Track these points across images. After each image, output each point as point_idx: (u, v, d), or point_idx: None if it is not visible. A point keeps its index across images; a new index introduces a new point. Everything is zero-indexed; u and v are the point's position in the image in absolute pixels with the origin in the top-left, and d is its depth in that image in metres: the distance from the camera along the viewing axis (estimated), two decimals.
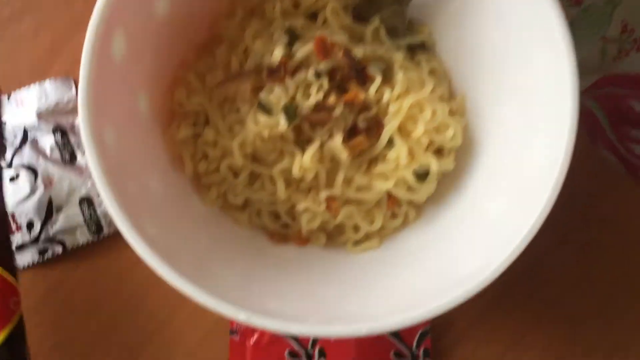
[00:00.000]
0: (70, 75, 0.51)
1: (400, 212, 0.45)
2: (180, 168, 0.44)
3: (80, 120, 0.35)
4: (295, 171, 0.41)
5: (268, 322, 0.33)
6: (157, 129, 0.43)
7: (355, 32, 0.45)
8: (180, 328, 0.49)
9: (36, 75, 0.51)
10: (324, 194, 0.42)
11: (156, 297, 0.49)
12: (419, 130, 0.42)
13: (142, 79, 0.41)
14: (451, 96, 0.47)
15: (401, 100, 0.42)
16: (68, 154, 0.48)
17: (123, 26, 0.37)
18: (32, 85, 0.50)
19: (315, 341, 0.49)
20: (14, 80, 0.50)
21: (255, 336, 0.48)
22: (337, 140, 0.41)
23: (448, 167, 0.44)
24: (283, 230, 0.45)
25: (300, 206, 0.42)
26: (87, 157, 0.34)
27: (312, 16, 0.45)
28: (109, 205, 0.34)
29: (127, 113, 0.39)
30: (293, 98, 0.40)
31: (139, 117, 0.41)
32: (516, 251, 0.34)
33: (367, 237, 0.45)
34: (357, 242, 0.45)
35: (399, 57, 0.44)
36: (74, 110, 0.50)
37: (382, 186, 0.42)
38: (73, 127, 0.49)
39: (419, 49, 0.47)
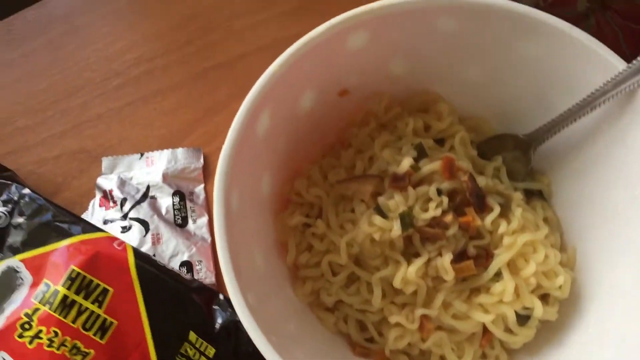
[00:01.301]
0: (200, 148, 0.54)
1: (491, 354, 0.43)
2: (282, 254, 0.44)
3: (216, 181, 0.37)
4: (397, 281, 0.41)
5: None
6: (271, 211, 0.44)
7: (477, 165, 0.46)
8: None
9: (170, 143, 0.55)
10: (419, 312, 0.41)
11: None
12: (529, 270, 0.41)
13: (271, 161, 0.43)
14: (562, 248, 0.46)
15: (516, 235, 0.42)
16: (181, 217, 0.50)
17: (270, 110, 0.40)
18: (165, 150, 0.54)
19: None
20: (150, 144, 0.54)
21: None
22: (446, 259, 0.40)
23: (551, 317, 0.42)
24: (366, 344, 0.44)
25: (393, 319, 0.41)
26: (215, 215, 0.36)
27: (439, 141, 0.47)
28: (223, 263, 0.34)
29: (251, 188, 0.41)
30: (411, 208, 0.41)
31: (259, 195, 0.43)
32: None
33: None
34: None
35: (517, 196, 0.45)
36: (196, 179, 0.53)
37: (481, 318, 0.41)
38: (192, 194, 0.52)
39: (536, 196, 0.47)
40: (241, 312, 0.34)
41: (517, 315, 0.41)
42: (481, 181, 0.43)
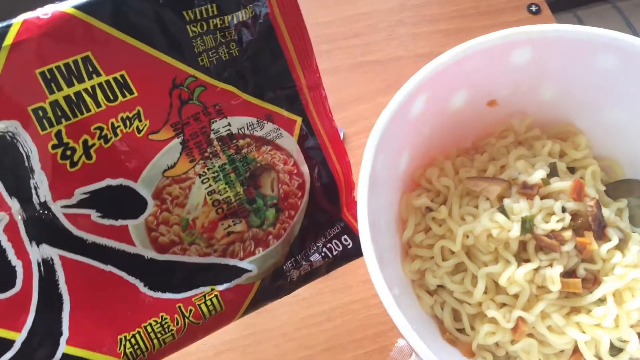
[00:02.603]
0: (342, 128, 0.60)
1: None
2: (400, 230, 0.48)
3: (370, 139, 0.41)
4: (504, 279, 0.43)
5: None
6: (399, 189, 0.48)
7: (602, 201, 0.48)
8: None
9: None
10: (517, 313, 0.43)
11: None
12: (635, 304, 0.42)
13: (414, 142, 0.47)
14: None
15: (629, 269, 0.43)
16: None
17: (426, 96, 0.44)
18: None
19: None
20: None
21: None
22: (556, 270, 0.42)
23: None
24: (457, 333, 0.46)
25: (490, 313, 0.43)
26: (362, 169, 0.40)
27: (571, 170, 0.49)
28: (360, 208, 0.39)
29: (392, 159, 0.45)
30: (533, 216, 0.44)
31: (396, 170, 0.47)
32: None
33: None
34: None
35: (637, 237, 0.46)
36: None
37: (576, 336, 0.42)
38: None
39: None
40: (367, 252, 0.38)
41: (611, 344, 0.43)
42: (605, 212, 0.45)
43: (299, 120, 0.41)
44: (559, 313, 0.43)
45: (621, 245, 0.45)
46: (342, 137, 0.59)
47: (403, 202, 0.48)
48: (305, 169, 0.41)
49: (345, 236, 0.43)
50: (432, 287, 0.47)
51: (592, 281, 0.44)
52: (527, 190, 0.45)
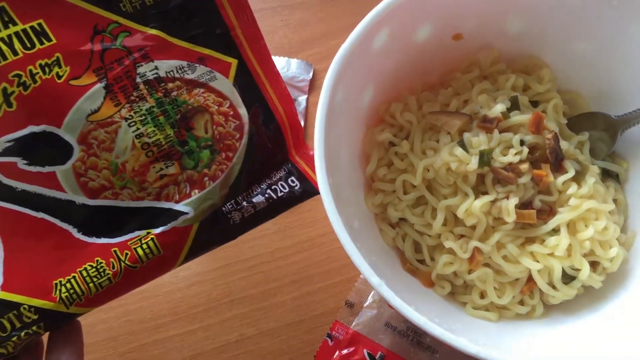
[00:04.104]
0: (312, 64, 0.60)
1: (529, 303, 0.46)
2: (363, 164, 0.49)
3: (328, 73, 0.41)
4: (461, 211, 0.44)
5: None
6: (363, 124, 0.49)
7: (563, 134, 0.49)
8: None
9: (287, 54, 0.61)
10: (474, 244, 0.44)
11: None
12: (587, 233, 0.43)
13: (378, 77, 0.47)
14: (622, 230, 0.48)
15: (583, 200, 0.44)
16: None
17: (390, 29, 0.44)
18: (282, 57, 0.60)
19: None
20: (270, 49, 0.60)
21: (347, 351, 0.50)
22: (512, 202, 0.43)
23: (595, 284, 0.44)
24: (417, 264, 0.48)
25: (448, 244, 0.45)
26: (320, 103, 0.40)
27: (534, 103, 0.49)
28: (317, 141, 0.39)
29: (354, 94, 0.45)
30: (492, 149, 0.44)
31: (359, 105, 0.47)
32: None
33: (487, 308, 0.46)
34: (476, 308, 0.46)
35: (594, 169, 0.47)
36: (302, 89, 0.59)
37: (529, 265, 0.44)
38: (295, 101, 0.58)
39: (611, 178, 0.49)
40: (322, 185, 0.38)
41: (564, 272, 0.44)
42: (563, 145, 0.46)
43: (234, 62, 0.41)
44: (514, 243, 0.44)
45: (578, 178, 0.46)
46: (311, 73, 0.59)
47: (367, 137, 0.49)
48: (242, 110, 0.41)
49: (293, 178, 0.43)
50: (394, 220, 0.48)
51: (548, 212, 0.45)
52: (487, 124, 0.45)
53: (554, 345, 0.43)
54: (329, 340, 0.50)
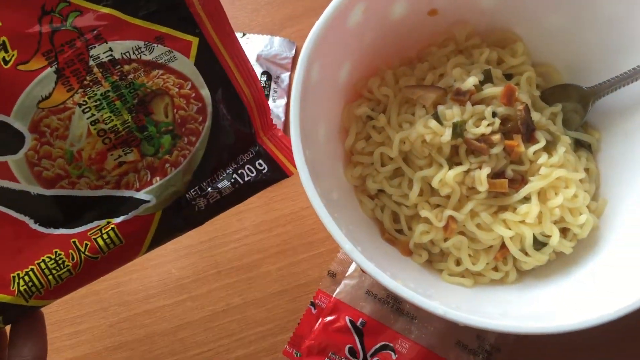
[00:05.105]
0: (295, 42, 0.61)
1: (502, 269, 0.47)
2: (342, 139, 0.50)
3: (303, 49, 0.42)
4: (436, 182, 0.46)
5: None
6: (341, 99, 0.50)
7: (536, 106, 0.50)
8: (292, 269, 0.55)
9: (269, 31, 0.62)
10: (448, 212, 0.46)
11: None
12: (557, 201, 0.45)
13: (354, 53, 0.48)
14: (594, 198, 0.49)
15: (553, 169, 0.46)
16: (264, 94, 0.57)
17: (365, 5, 0.45)
18: (265, 35, 0.61)
19: (376, 352, 0.51)
20: (252, 27, 0.62)
21: (330, 318, 0.52)
22: (484, 172, 0.45)
23: (565, 250, 0.46)
24: (395, 234, 0.49)
25: (423, 213, 0.46)
26: (295, 80, 0.42)
27: (508, 76, 0.51)
28: (293, 116, 0.41)
29: (331, 70, 0.47)
30: (464, 121, 0.46)
31: (336, 81, 0.48)
32: None
33: (463, 275, 0.48)
34: (452, 275, 0.48)
35: (565, 139, 0.48)
36: (284, 66, 0.60)
37: (501, 232, 0.45)
38: (278, 78, 0.59)
39: (584, 148, 0.51)
40: (298, 158, 0.40)
41: (535, 239, 0.46)
42: (535, 116, 0.47)
43: (195, 41, 0.39)
44: (487, 212, 0.46)
45: (550, 148, 0.47)
46: (293, 51, 0.60)
47: (345, 112, 0.50)
48: (205, 92, 0.39)
49: (260, 161, 0.41)
50: (372, 191, 0.50)
51: (520, 181, 0.46)
52: (460, 97, 0.46)
53: (526, 310, 0.45)
54: (312, 308, 0.52)
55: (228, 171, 0.40)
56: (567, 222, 0.46)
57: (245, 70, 0.41)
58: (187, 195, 0.39)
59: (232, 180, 0.40)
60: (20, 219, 0.37)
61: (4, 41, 0.35)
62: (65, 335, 0.53)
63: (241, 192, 0.41)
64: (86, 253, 0.37)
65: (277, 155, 0.42)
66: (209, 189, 0.40)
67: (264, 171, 0.41)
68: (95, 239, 0.37)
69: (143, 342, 0.52)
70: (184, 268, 0.54)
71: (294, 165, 0.40)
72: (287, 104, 0.58)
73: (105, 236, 0.37)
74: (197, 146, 0.39)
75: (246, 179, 0.40)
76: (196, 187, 0.39)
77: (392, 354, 0.50)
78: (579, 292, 0.44)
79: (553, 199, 0.45)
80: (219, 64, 0.40)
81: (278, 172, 0.42)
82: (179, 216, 0.39)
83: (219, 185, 0.40)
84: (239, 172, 0.41)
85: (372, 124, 0.49)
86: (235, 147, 0.41)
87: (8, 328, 0.38)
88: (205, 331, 0.52)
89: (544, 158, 0.46)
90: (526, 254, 0.46)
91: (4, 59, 0.35)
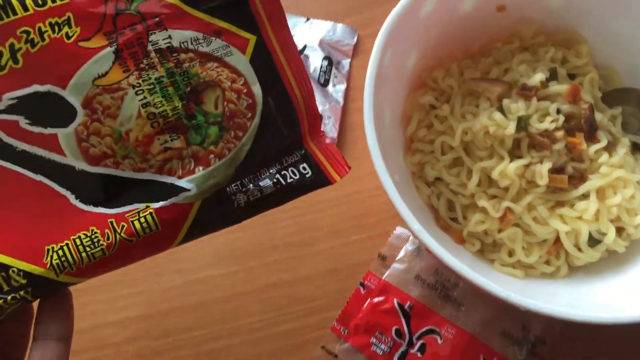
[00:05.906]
0: (357, 30, 0.62)
1: (554, 263, 0.48)
2: (404, 125, 0.51)
3: (379, 35, 0.44)
4: (496, 173, 0.47)
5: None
6: (407, 86, 0.51)
7: (597, 107, 0.51)
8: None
9: (333, 18, 0.63)
10: (506, 204, 0.47)
11: None
12: (615, 200, 0.46)
13: (422, 43, 0.50)
14: None
15: (613, 169, 0.47)
16: (324, 79, 0.59)
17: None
18: (328, 21, 0.62)
19: (421, 335, 0.52)
20: (316, 13, 0.63)
21: (378, 299, 0.53)
22: (545, 166, 0.46)
23: (619, 248, 0.47)
24: (450, 222, 0.50)
25: (481, 202, 0.48)
26: (370, 63, 0.43)
27: (571, 76, 0.52)
28: (367, 97, 0.42)
29: (400, 56, 0.48)
30: (529, 116, 0.47)
31: (404, 67, 0.50)
32: None
33: (514, 266, 0.49)
34: (504, 265, 0.49)
35: (625, 142, 0.49)
36: (346, 53, 0.61)
37: (558, 226, 0.46)
38: (339, 64, 0.61)
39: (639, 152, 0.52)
40: (371, 139, 0.41)
41: (590, 236, 0.47)
42: (597, 116, 0.48)
43: (252, 38, 0.39)
44: (544, 206, 0.47)
45: (610, 148, 0.48)
46: (355, 38, 0.62)
47: (409, 100, 0.51)
48: (257, 90, 0.39)
49: (305, 165, 0.40)
50: (430, 178, 0.51)
51: (579, 178, 0.47)
52: (526, 92, 0.47)
53: (576, 304, 0.46)
54: (362, 288, 0.53)
55: (271, 171, 0.40)
56: (623, 221, 0.47)
57: (298, 74, 0.41)
58: (228, 189, 0.39)
59: (275, 180, 0.40)
60: (62, 192, 0.37)
61: (69, 17, 0.36)
62: (120, 296, 0.54)
63: (282, 194, 0.40)
64: (122, 234, 0.37)
65: (322, 161, 0.42)
66: (251, 185, 0.39)
67: (307, 175, 0.40)
68: (132, 222, 0.37)
69: (195, 309, 0.54)
70: (238, 240, 0.56)
71: (339, 174, 0.41)
72: (347, 90, 0.60)
73: (142, 220, 0.37)
74: (243, 141, 0.39)
75: (289, 180, 0.40)
76: (238, 182, 0.39)
77: (438, 338, 0.51)
78: (629, 290, 0.45)
79: (612, 198, 0.46)
80: (274, 64, 0.40)
81: (321, 178, 0.41)
82: (217, 210, 0.39)
83: (261, 184, 0.39)
84: (282, 173, 0.40)
85: (434, 113, 0.51)
86: (281, 148, 0.40)
87: (35, 305, 0.38)
88: (255, 303, 0.54)
89: (604, 157, 0.47)
90: (579, 249, 0.47)
91: (67, 34, 0.36)
